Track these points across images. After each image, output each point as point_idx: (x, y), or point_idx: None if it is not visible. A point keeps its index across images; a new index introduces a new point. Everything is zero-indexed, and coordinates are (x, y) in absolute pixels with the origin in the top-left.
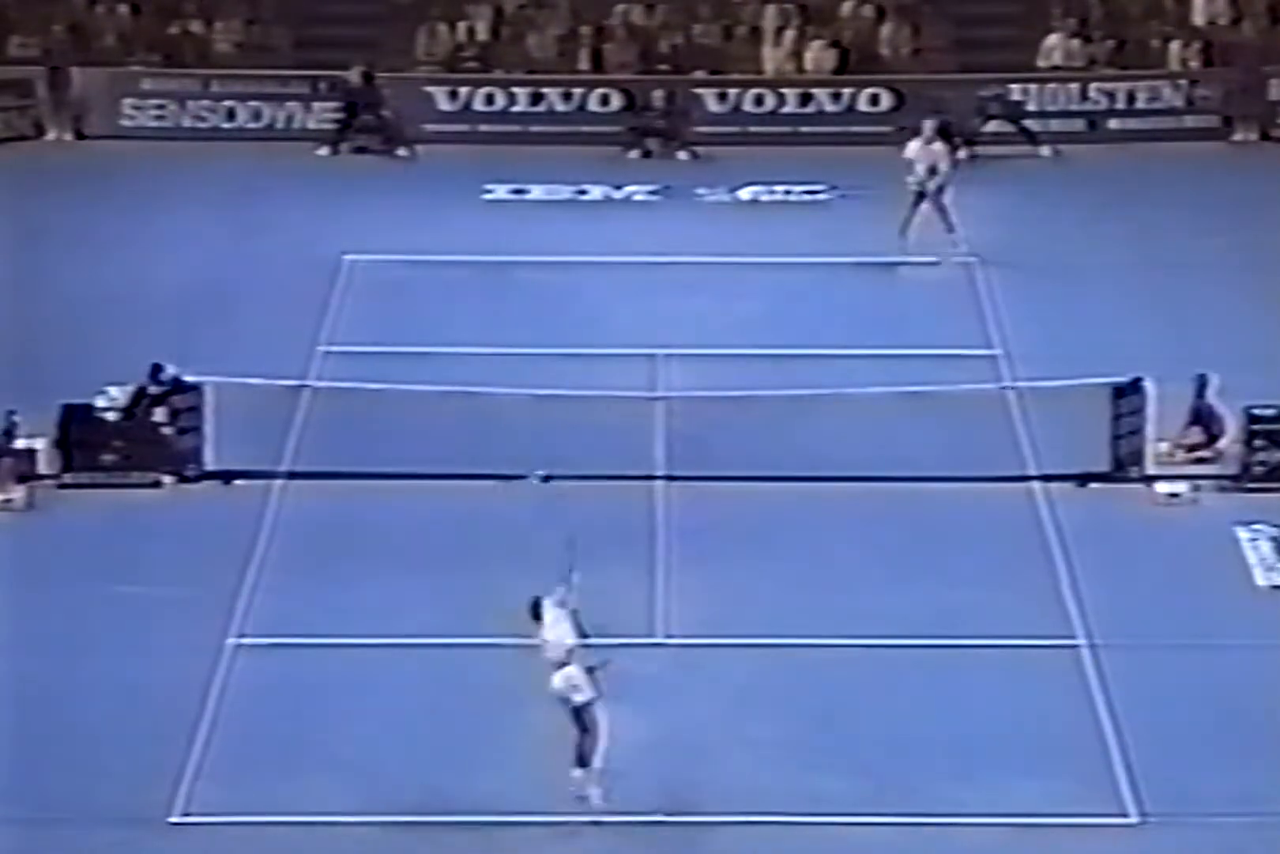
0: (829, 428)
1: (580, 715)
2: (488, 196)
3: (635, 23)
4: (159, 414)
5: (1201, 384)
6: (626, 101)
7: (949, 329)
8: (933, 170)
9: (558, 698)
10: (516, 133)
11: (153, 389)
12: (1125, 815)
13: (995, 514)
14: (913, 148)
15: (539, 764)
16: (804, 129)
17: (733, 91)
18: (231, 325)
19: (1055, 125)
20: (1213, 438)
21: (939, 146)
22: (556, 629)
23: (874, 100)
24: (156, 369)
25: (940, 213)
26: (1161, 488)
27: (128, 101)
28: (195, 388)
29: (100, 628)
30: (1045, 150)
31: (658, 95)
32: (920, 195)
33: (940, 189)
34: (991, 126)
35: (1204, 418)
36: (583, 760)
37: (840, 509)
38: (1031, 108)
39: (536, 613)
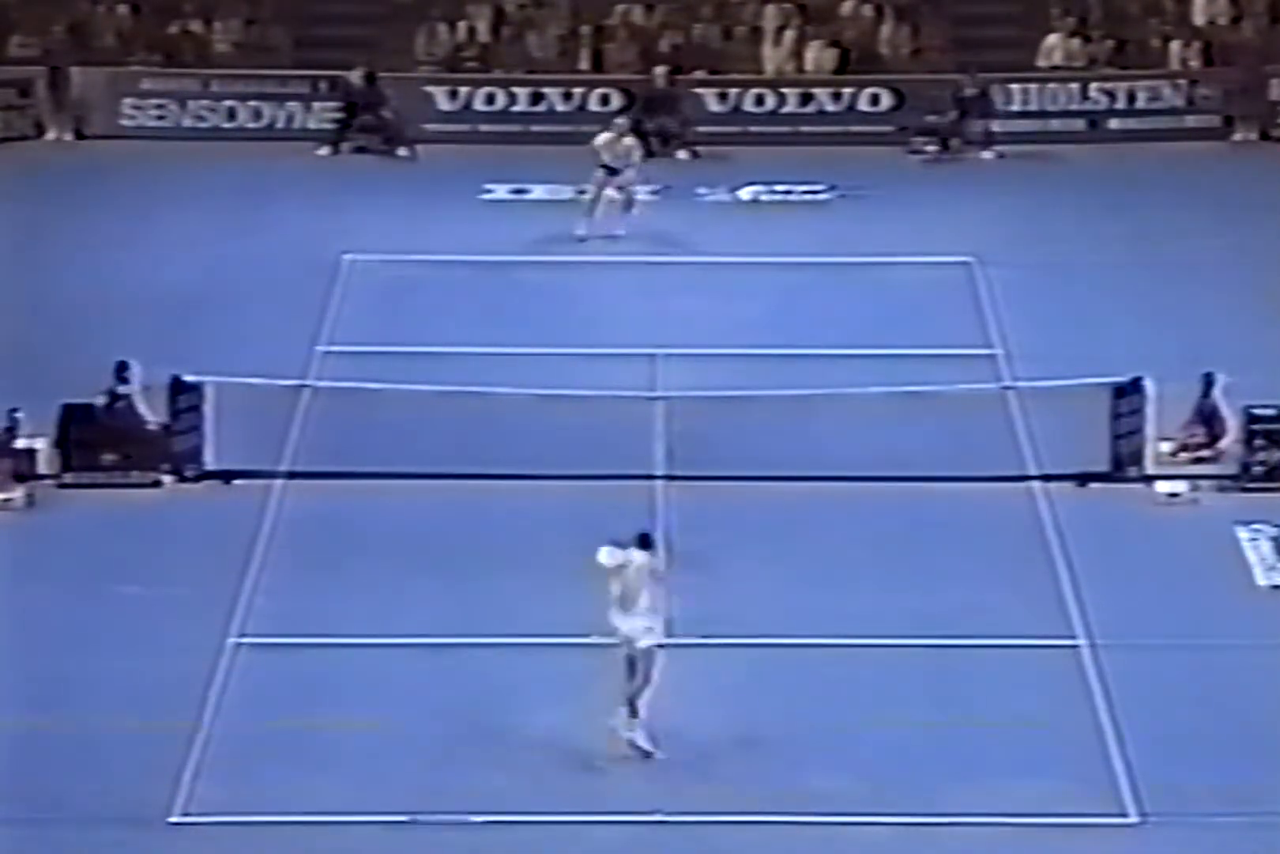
0: (829, 428)
1: (643, 660)
2: (488, 196)
3: (635, 23)
4: (134, 409)
5: (1208, 383)
6: (627, 101)
7: (949, 329)
8: (616, 169)
9: (625, 641)
10: (516, 133)
11: (121, 389)
12: (1125, 815)
13: (995, 514)
14: (602, 139)
15: (539, 764)
16: (804, 129)
17: (733, 91)
18: (231, 325)
19: (1055, 125)
20: (1214, 437)
21: (630, 141)
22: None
23: (874, 100)
24: (122, 367)
25: (625, 198)
26: (1161, 488)
27: (128, 101)
28: (195, 387)
29: (100, 628)
30: (988, 154)
31: (658, 72)
32: (605, 182)
33: (629, 179)
34: (989, 126)
35: (1207, 417)
36: (633, 708)
37: (840, 509)
38: (1032, 108)
39: (646, 542)
